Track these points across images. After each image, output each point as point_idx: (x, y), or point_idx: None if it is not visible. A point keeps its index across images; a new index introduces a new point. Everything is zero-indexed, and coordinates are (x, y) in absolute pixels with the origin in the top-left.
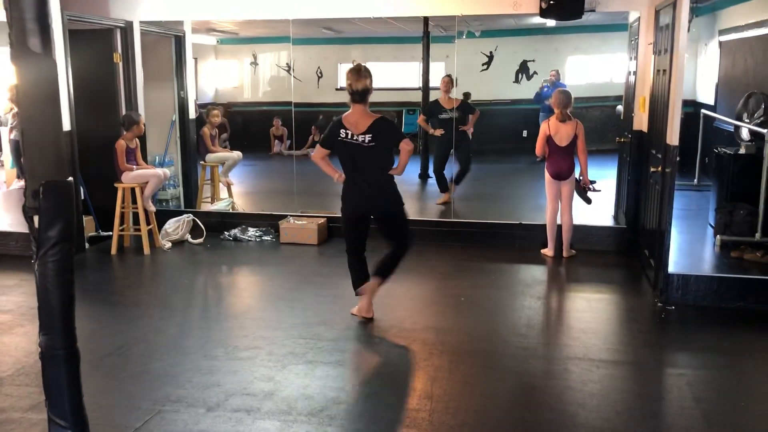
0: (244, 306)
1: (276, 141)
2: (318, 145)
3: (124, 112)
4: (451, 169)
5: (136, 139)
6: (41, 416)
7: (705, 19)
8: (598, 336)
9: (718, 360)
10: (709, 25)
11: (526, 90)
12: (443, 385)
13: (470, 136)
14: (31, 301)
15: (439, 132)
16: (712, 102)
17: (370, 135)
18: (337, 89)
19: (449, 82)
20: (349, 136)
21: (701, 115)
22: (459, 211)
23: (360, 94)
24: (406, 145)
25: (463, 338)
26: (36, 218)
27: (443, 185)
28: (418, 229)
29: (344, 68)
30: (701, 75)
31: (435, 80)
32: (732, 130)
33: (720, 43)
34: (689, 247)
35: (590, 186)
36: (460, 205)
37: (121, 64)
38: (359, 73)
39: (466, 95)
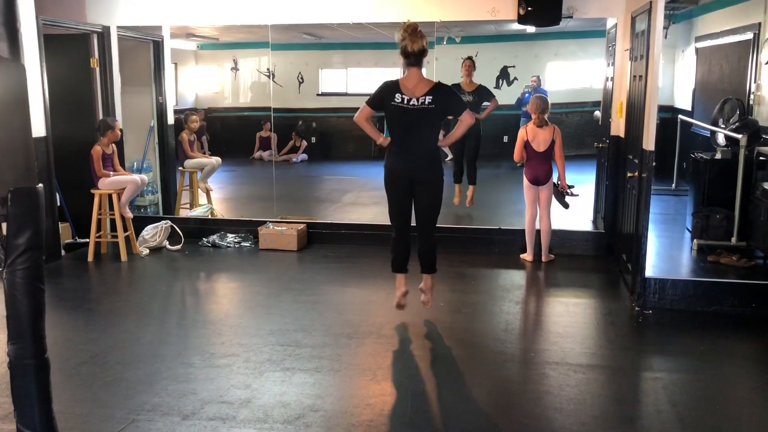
0: (222, 313)
1: (260, 145)
2: (365, 105)
3: (101, 117)
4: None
5: (113, 145)
6: (11, 427)
7: (681, 26)
8: (575, 340)
9: (694, 363)
10: (685, 31)
11: (507, 96)
12: (421, 392)
13: (481, 130)
14: (1, 309)
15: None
16: (689, 107)
17: (431, 97)
18: (318, 95)
19: (471, 65)
20: (406, 101)
21: (678, 120)
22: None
23: (417, 55)
24: (468, 116)
25: (442, 343)
26: (4, 225)
27: (460, 176)
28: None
29: (325, 73)
30: (678, 81)
31: None
32: (708, 135)
33: (696, 49)
34: (667, 252)
35: (568, 191)
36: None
37: (98, 70)
38: (416, 33)
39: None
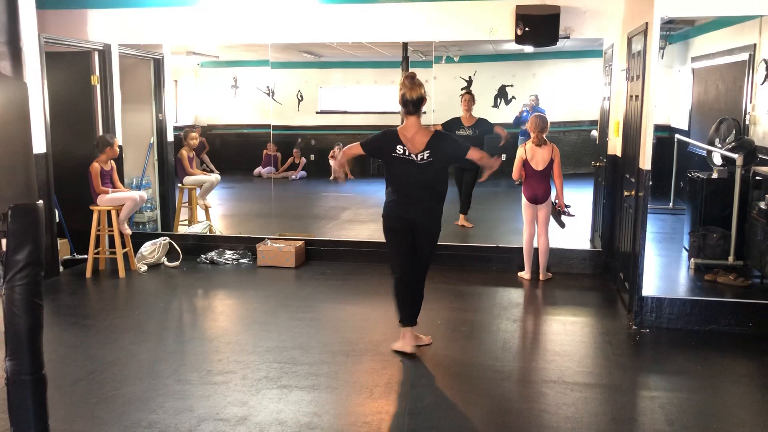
0: (220, 330)
1: (265, 161)
2: (358, 145)
3: (100, 134)
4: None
5: (112, 162)
6: None
7: (678, 47)
8: (572, 359)
9: (691, 382)
10: (681, 52)
11: (505, 114)
12: (418, 409)
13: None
14: (0, 325)
15: None
16: (686, 127)
17: (429, 152)
18: (317, 112)
19: (470, 99)
20: (407, 153)
21: (675, 139)
22: None
23: (415, 104)
24: (475, 152)
25: (439, 361)
26: (4, 241)
27: (462, 205)
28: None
29: (325, 91)
30: (675, 101)
31: None
32: (705, 154)
33: (693, 69)
34: (664, 270)
35: (565, 210)
36: None
37: (98, 87)
38: (413, 80)
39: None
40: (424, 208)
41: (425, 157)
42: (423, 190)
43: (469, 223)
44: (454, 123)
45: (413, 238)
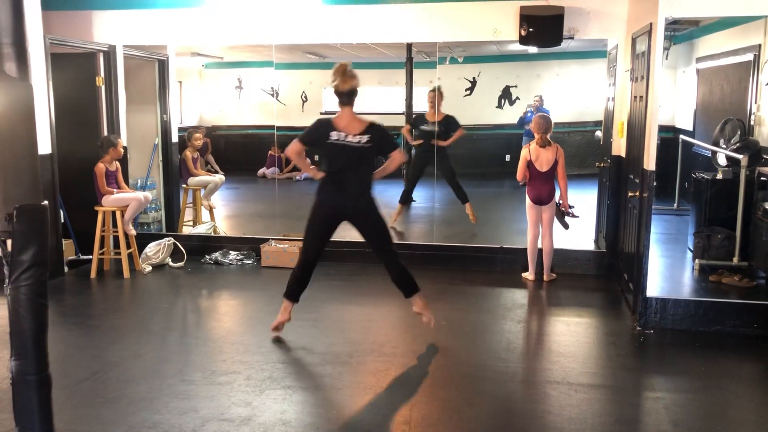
0: (224, 330)
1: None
2: (297, 141)
3: (105, 135)
4: (433, 193)
5: (117, 162)
6: None
7: (683, 47)
8: (577, 360)
9: (695, 384)
10: (686, 52)
11: (509, 115)
12: (422, 410)
13: (449, 154)
14: (5, 325)
15: (418, 142)
16: (690, 128)
17: (368, 136)
18: (321, 113)
19: (434, 96)
20: (342, 138)
21: (680, 140)
22: (440, 234)
23: (348, 95)
24: (399, 154)
25: (443, 362)
26: (9, 242)
27: (406, 197)
28: (400, 253)
29: (329, 92)
30: (680, 101)
31: (418, 105)
32: (709, 155)
33: (697, 70)
34: (668, 271)
35: (569, 211)
36: (441, 229)
37: (103, 88)
38: (345, 73)
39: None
40: (357, 193)
41: (363, 141)
42: (358, 173)
43: (474, 218)
44: (420, 118)
45: (355, 225)
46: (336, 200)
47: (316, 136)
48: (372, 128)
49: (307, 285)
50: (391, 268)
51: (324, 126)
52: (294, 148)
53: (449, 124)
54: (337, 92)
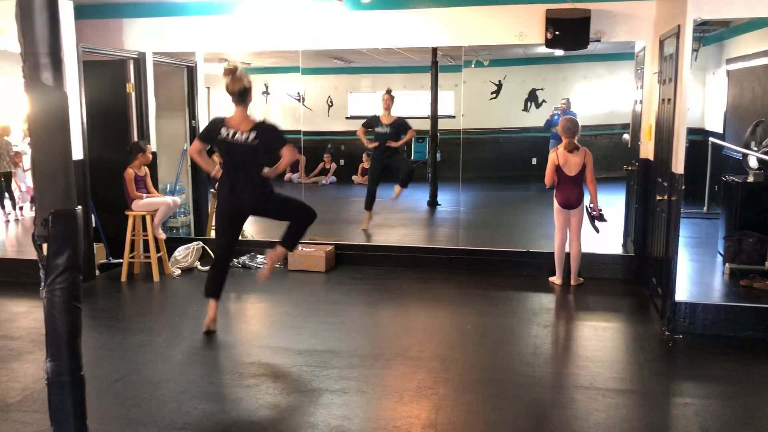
0: (251, 333)
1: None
2: (196, 139)
3: (134, 140)
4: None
5: (146, 167)
6: None
7: (712, 48)
8: (604, 365)
9: (725, 390)
10: (716, 54)
11: (535, 118)
12: (448, 414)
13: (403, 152)
14: (41, 327)
15: (373, 144)
16: (720, 130)
17: (255, 133)
18: (347, 118)
19: (389, 99)
20: (231, 135)
21: (709, 143)
22: (466, 238)
23: (239, 94)
24: (288, 150)
25: (469, 366)
26: (45, 246)
27: (369, 203)
28: (425, 257)
29: (354, 97)
30: (709, 103)
31: (444, 109)
32: (740, 158)
33: (727, 71)
34: (698, 276)
35: (600, 215)
36: (467, 232)
37: (133, 94)
38: (234, 75)
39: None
40: (250, 187)
41: (251, 138)
42: (248, 170)
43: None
44: (374, 120)
45: (240, 222)
46: (229, 200)
47: (209, 134)
48: (260, 126)
49: (224, 282)
50: (297, 222)
51: (217, 124)
52: (193, 146)
53: (401, 126)
54: (229, 92)
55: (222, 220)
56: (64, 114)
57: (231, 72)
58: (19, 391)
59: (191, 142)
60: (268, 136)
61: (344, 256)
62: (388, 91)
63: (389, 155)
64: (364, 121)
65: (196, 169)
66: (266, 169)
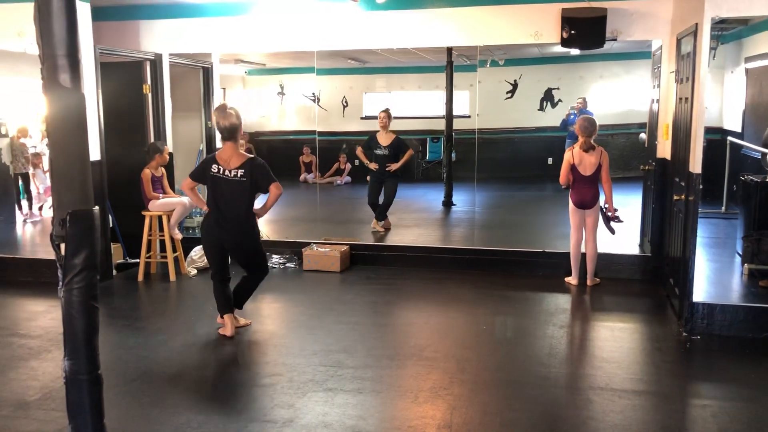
0: (267, 333)
1: (304, 168)
2: (188, 176)
3: (151, 141)
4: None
5: (162, 168)
6: None
7: (730, 47)
8: (621, 365)
9: (744, 392)
10: (734, 52)
11: (551, 117)
12: (463, 415)
13: (399, 175)
14: (59, 326)
15: (374, 166)
16: (739, 129)
17: (243, 170)
18: (362, 118)
19: (386, 117)
20: (221, 171)
21: (728, 142)
22: (481, 238)
23: (228, 131)
24: (275, 189)
25: (484, 367)
26: (62, 246)
27: (378, 214)
28: (440, 257)
29: (369, 97)
30: (727, 102)
31: (459, 109)
32: (759, 157)
33: (746, 70)
34: (716, 276)
35: (615, 215)
36: (482, 232)
37: (150, 95)
38: (224, 111)
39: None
40: (236, 228)
41: (239, 175)
42: (235, 206)
43: (382, 228)
44: (372, 141)
45: (230, 252)
46: (215, 232)
47: (201, 172)
48: (249, 163)
49: (232, 294)
50: (248, 279)
51: (209, 161)
52: (185, 183)
53: (399, 146)
54: (219, 128)
55: (209, 249)
56: (81, 115)
57: (221, 108)
58: (38, 390)
59: (207, 142)
60: (256, 173)
61: (359, 257)
62: (385, 110)
63: (387, 177)
64: (363, 142)
65: None
66: (257, 208)
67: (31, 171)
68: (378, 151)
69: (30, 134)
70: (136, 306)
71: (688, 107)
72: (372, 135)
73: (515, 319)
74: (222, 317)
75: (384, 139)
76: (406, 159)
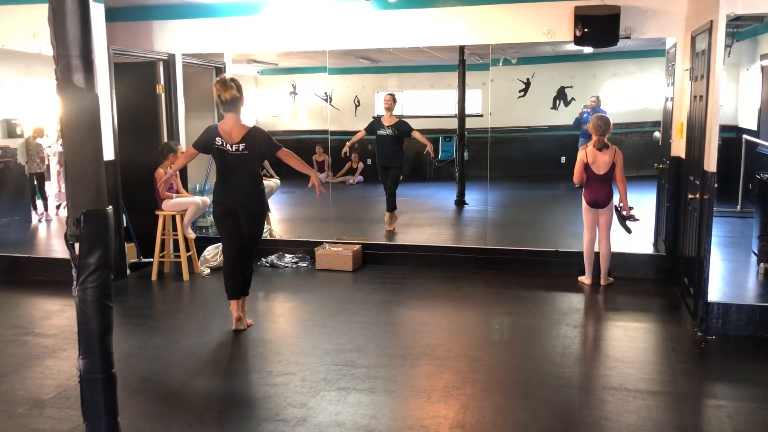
0: (279, 332)
1: (317, 168)
2: (191, 146)
3: (165, 141)
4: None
5: None
6: None
7: (746, 44)
8: (635, 365)
9: (760, 392)
10: (750, 49)
11: (564, 116)
12: (476, 414)
13: (404, 161)
14: (74, 325)
15: (353, 157)
16: (755, 127)
17: (243, 144)
18: (374, 117)
19: (391, 99)
20: (224, 144)
21: (743, 140)
22: (494, 237)
23: (229, 103)
24: (284, 153)
25: (497, 367)
26: (77, 245)
27: (388, 205)
28: (453, 256)
29: (381, 96)
30: (743, 100)
31: (471, 107)
32: None
33: (762, 67)
34: (731, 275)
35: (630, 215)
36: (495, 232)
37: (163, 95)
38: (225, 83)
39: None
40: (244, 193)
41: (240, 149)
42: (240, 176)
43: (392, 225)
44: (376, 122)
45: (238, 220)
46: (226, 200)
47: (204, 142)
48: (249, 134)
49: (240, 279)
50: (243, 269)
51: (212, 132)
52: (187, 152)
53: (402, 128)
54: (220, 101)
55: (221, 220)
56: (95, 115)
57: (221, 81)
58: (53, 388)
59: None
60: (257, 143)
61: (371, 256)
62: (391, 94)
63: (391, 157)
64: (368, 125)
65: None
66: (313, 177)
67: (57, 169)
68: (381, 132)
69: (46, 134)
70: (150, 305)
71: (703, 105)
72: (377, 117)
73: (528, 319)
74: (229, 299)
75: (388, 121)
76: (420, 137)
